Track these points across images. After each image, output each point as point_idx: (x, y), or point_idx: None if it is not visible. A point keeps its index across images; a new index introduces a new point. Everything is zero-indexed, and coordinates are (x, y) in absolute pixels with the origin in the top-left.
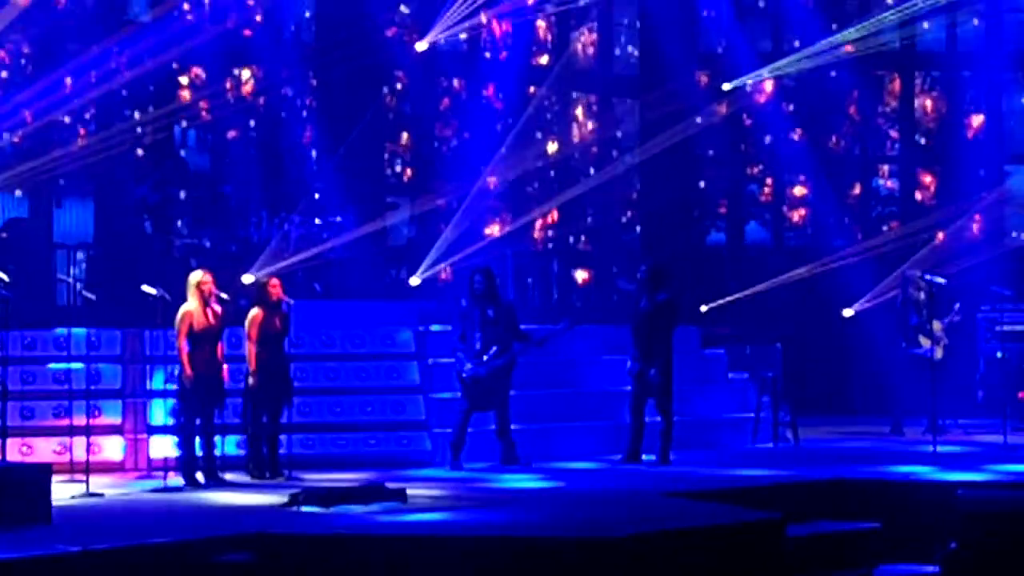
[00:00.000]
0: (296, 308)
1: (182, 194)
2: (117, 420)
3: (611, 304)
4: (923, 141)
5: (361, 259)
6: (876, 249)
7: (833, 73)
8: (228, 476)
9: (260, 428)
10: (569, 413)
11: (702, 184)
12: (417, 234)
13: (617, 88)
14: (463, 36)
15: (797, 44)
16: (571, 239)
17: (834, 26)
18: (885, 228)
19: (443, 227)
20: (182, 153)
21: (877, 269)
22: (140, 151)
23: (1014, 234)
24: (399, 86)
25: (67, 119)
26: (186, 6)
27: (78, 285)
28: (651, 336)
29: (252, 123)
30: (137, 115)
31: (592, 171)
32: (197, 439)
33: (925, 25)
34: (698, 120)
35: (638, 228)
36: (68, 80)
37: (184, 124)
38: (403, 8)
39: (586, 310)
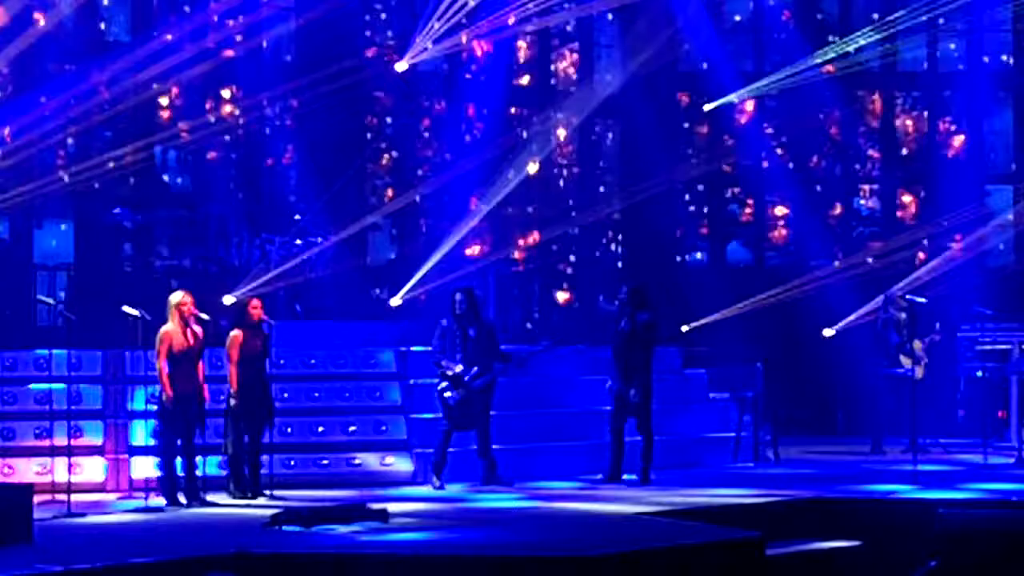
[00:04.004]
0: (277, 329)
1: (162, 215)
2: (98, 440)
3: (592, 324)
4: (904, 161)
5: (342, 280)
6: (857, 268)
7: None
8: (209, 496)
9: (241, 448)
10: (550, 433)
11: (684, 204)
12: (398, 255)
13: (598, 109)
14: (437, 55)
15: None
16: (552, 260)
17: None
18: (866, 248)
19: (424, 248)
20: (163, 175)
21: (858, 289)
22: (120, 172)
23: None
24: (380, 106)
25: (46, 140)
26: (166, 28)
27: (59, 306)
28: (631, 356)
29: (232, 144)
30: (117, 136)
31: (573, 192)
32: (178, 459)
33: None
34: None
35: (619, 248)
36: (47, 101)
37: (164, 145)
38: (383, 18)
39: (567, 330)
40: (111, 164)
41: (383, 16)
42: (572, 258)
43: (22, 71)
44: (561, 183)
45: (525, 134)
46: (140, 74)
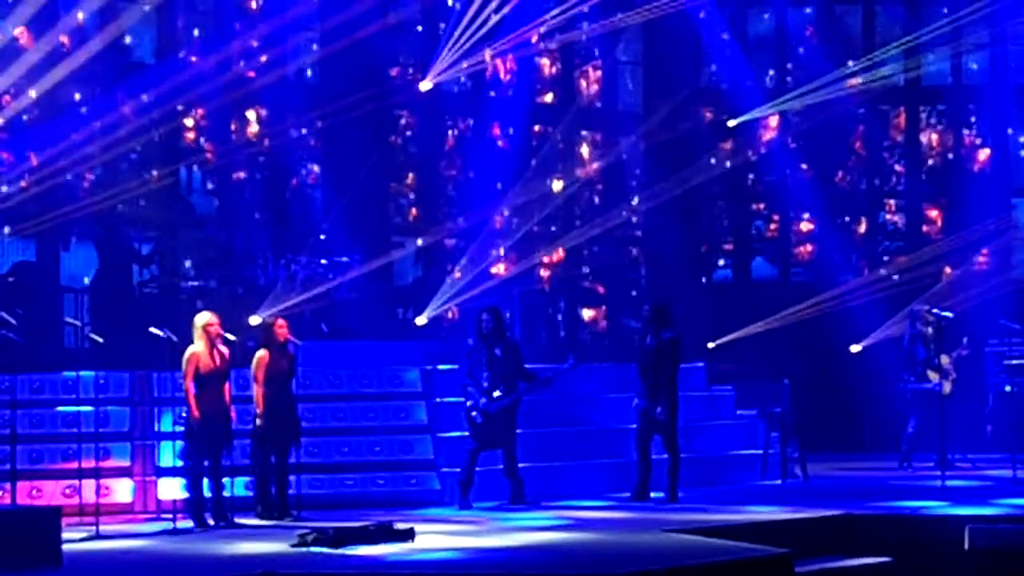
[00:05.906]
0: (303, 349)
1: (188, 236)
2: (126, 462)
3: (618, 342)
4: (929, 175)
5: (367, 299)
6: (883, 283)
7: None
8: (237, 517)
9: (268, 469)
10: (577, 451)
11: (709, 220)
12: (423, 274)
13: (622, 125)
14: (463, 77)
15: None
16: (577, 277)
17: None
18: (891, 262)
19: (449, 267)
20: (188, 196)
21: (884, 304)
22: (146, 194)
23: None
24: (404, 126)
25: (73, 163)
26: (191, 50)
27: (86, 328)
28: (657, 374)
29: (257, 165)
30: (142, 158)
31: (597, 209)
32: (205, 480)
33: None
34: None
35: (643, 266)
36: (73, 124)
37: (190, 167)
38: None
39: (593, 348)
40: (137, 186)
41: (406, 36)
42: (597, 275)
43: (48, 95)
44: (584, 200)
45: (549, 152)
46: (165, 96)
